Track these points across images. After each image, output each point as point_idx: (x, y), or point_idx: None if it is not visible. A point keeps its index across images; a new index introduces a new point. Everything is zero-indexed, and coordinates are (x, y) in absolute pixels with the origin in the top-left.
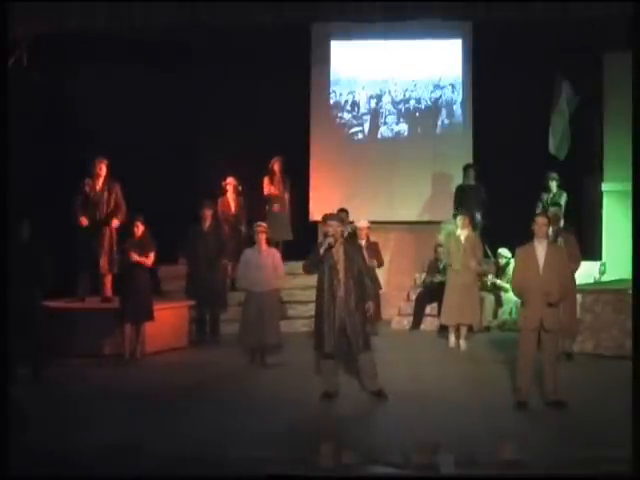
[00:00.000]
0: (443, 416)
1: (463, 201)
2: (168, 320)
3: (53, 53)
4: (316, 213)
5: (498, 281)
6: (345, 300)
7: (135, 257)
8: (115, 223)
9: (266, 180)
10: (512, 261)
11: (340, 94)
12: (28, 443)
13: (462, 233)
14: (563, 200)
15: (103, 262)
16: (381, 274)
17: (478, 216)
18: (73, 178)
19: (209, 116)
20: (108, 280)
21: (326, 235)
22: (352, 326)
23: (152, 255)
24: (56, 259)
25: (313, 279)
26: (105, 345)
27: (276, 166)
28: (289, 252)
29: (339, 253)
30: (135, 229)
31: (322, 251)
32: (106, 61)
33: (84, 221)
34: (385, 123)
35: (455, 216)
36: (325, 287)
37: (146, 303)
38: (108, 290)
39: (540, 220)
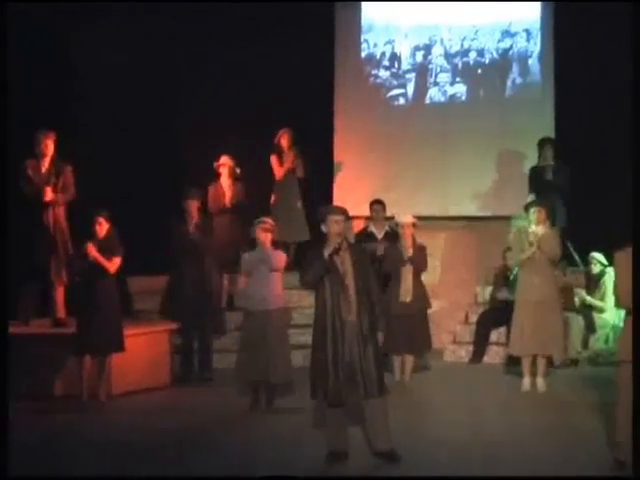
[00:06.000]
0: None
1: (539, 188)
2: (143, 350)
3: None
4: (342, 205)
5: (588, 298)
6: (357, 326)
7: (93, 251)
8: (56, 197)
9: (273, 159)
10: (609, 270)
11: (375, 45)
12: None
13: (537, 230)
14: None
15: (53, 269)
16: (429, 287)
17: (560, 208)
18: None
19: (199, 75)
20: (60, 295)
21: (331, 235)
22: (365, 361)
23: (117, 260)
24: None
25: None
26: (57, 384)
27: (283, 141)
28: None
29: (346, 261)
30: (97, 227)
31: (327, 255)
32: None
33: None
34: (436, 84)
35: (528, 208)
36: (328, 308)
37: (113, 327)
38: (60, 309)
39: None
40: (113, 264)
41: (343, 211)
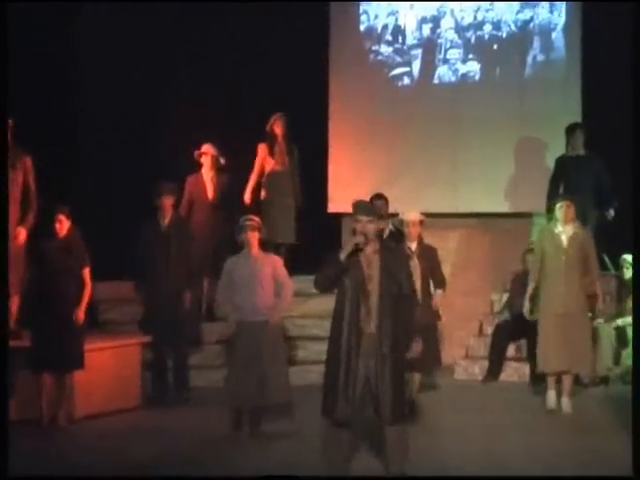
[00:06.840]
0: None
1: (567, 181)
2: (110, 366)
3: None
4: (337, 201)
5: (620, 321)
6: (377, 339)
7: (80, 316)
8: (22, 235)
9: (262, 149)
10: None
11: (375, 16)
12: None
13: (565, 230)
14: None
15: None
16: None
17: (592, 206)
18: None
19: (178, 53)
20: (14, 304)
21: (352, 235)
22: (381, 381)
23: (86, 272)
24: None
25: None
26: (11, 406)
27: (277, 128)
28: (296, 261)
29: (373, 264)
30: (57, 225)
31: (344, 256)
32: None
33: None
34: (445, 61)
35: (554, 203)
36: (346, 316)
37: (72, 341)
38: (13, 320)
39: None
40: (86, 289)
41: (368, 210)
